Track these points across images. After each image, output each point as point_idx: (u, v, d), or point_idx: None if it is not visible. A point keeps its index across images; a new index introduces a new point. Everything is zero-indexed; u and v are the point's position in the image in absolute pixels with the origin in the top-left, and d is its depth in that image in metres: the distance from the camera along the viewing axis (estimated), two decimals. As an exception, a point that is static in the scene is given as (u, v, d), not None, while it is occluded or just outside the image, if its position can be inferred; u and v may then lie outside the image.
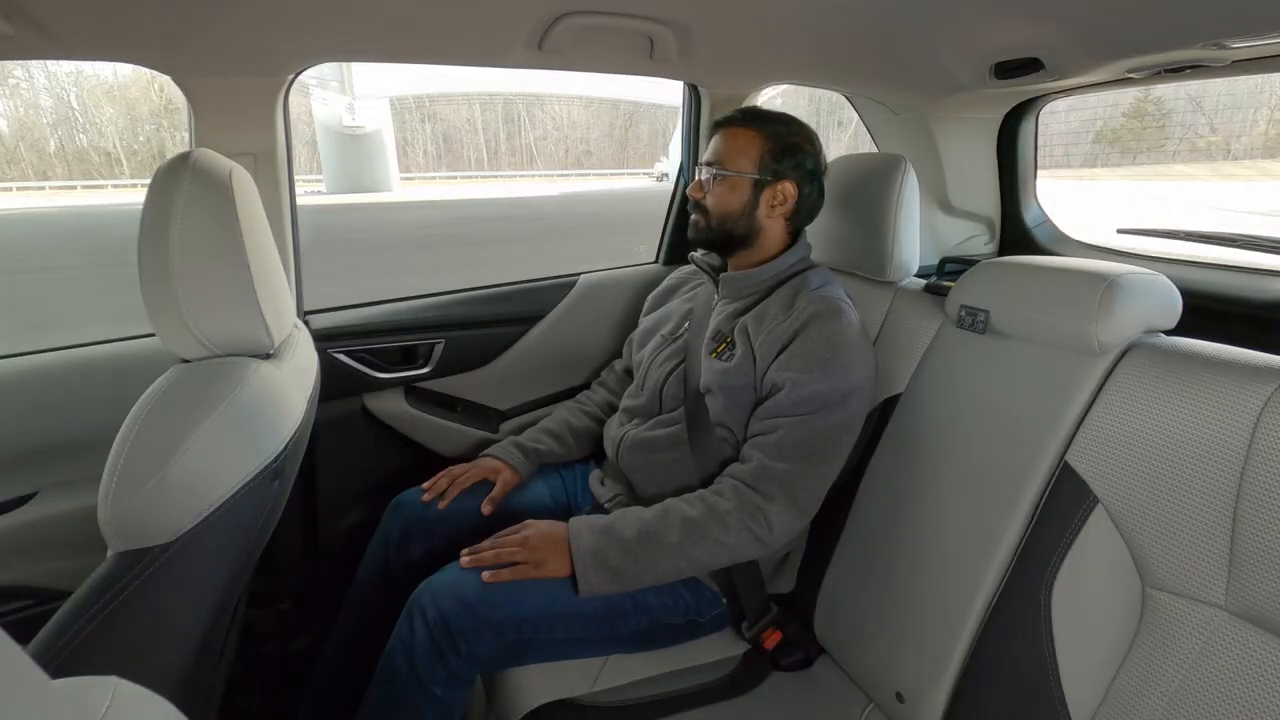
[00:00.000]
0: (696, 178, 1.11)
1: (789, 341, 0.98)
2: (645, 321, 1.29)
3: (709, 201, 1.08)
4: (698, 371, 1.07)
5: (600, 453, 1.25)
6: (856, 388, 0.97)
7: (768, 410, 0.97)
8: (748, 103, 1.51)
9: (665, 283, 1.33)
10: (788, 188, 1.06)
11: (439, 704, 0.91)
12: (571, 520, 0.97)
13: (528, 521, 0.98)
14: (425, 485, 1.16)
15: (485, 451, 1.24)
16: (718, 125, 1.09)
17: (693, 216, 1.11)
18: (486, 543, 0.96)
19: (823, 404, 0.95)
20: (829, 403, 0.95)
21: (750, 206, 1.07)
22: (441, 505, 1.13)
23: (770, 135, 1.05)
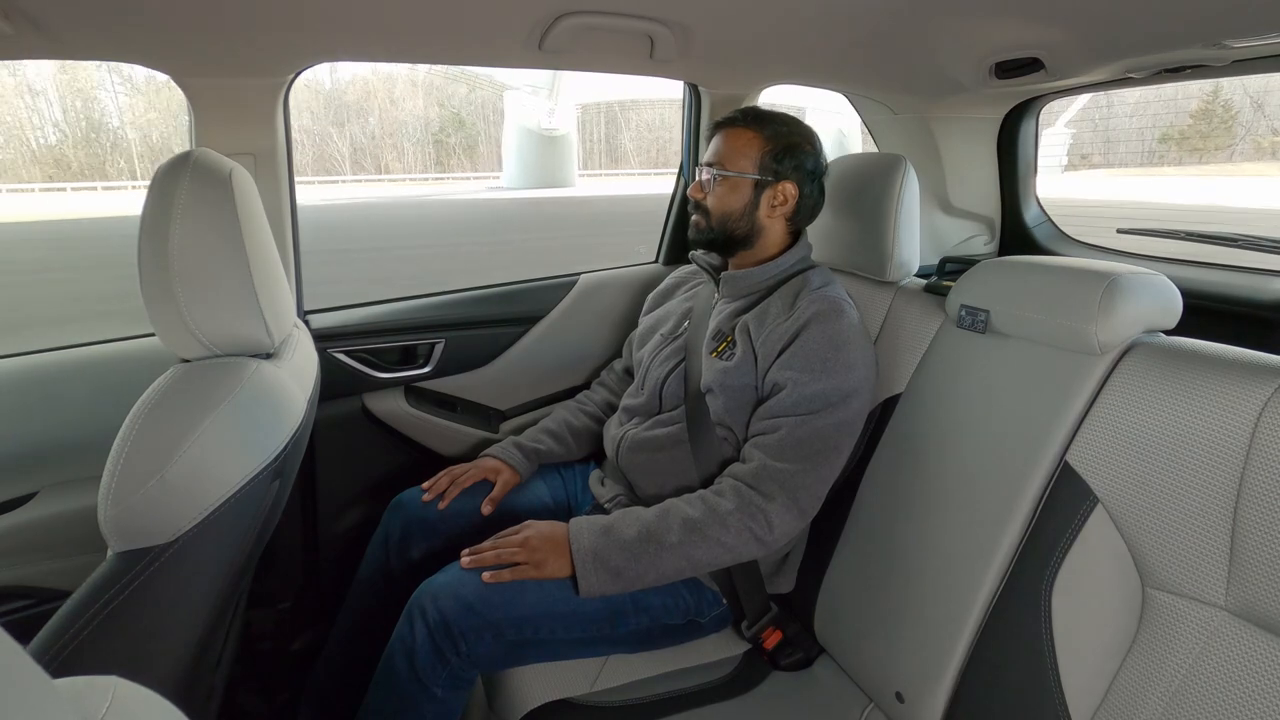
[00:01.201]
0: (696, 178, 1.10)
1: (790, 341, 0.98)
2: (645, 321, 1.29)
3: (709, 202, 1.08)
4: (698, 371, 1.07)
5: (600, 453, 1.25)
6: (858, 388, 0.97)
7: (769, 410, 0.97)
8: (747, 103, 1.51)
9: (665, 282, 1.33)
10: (788, 188, 1.06)
11: (439, 705, 0.91)
12: (572, 521, 0.97)
13: (528, 522, 0.98)
14: (425, 485, 1.16)
15: (485, 452, 1.24)
16: (718, 126, 1.09)
17: (693, 217, 1.11)
18: (487, 543, 0.96)
19: (824, 403, 0.95)
20: (830, 402, 0.95)
21: (751, 207, 1.07)
22: (442, 505, 1.13)
23: (771, 135, 1.05)
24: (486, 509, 1.13)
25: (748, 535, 0.92)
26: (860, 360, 0.98)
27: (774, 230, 1.09)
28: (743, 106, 1.11)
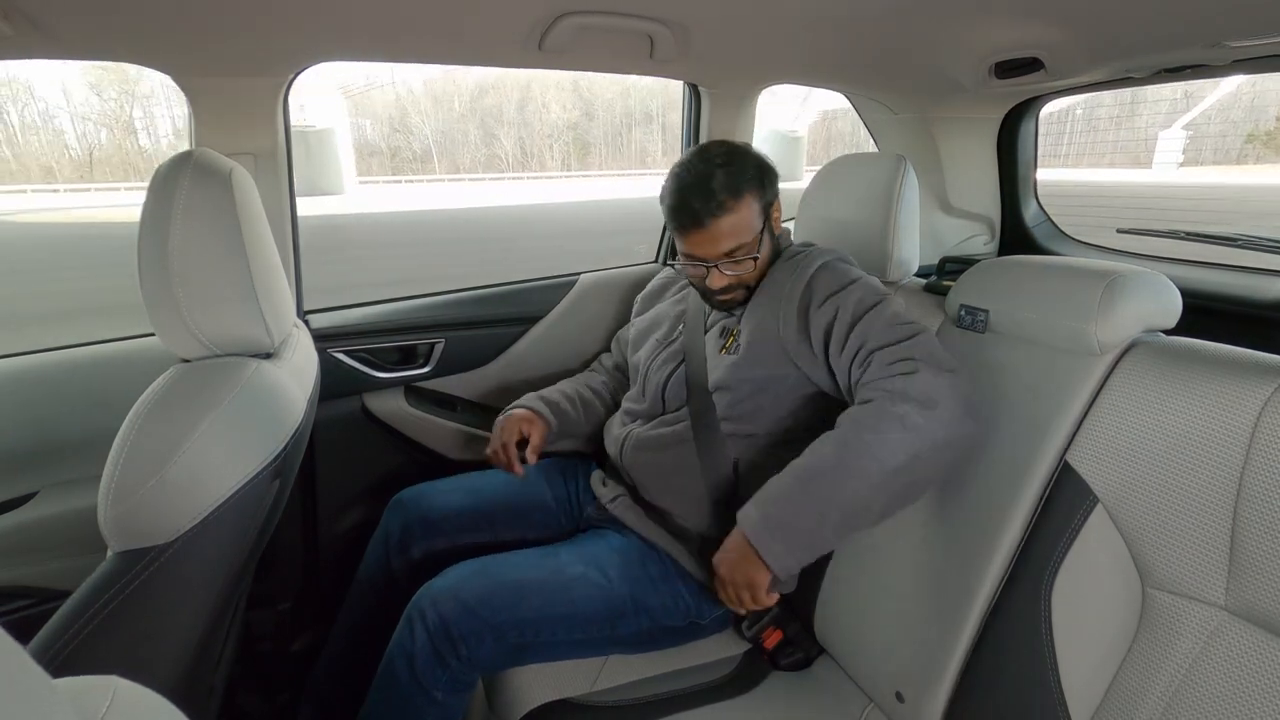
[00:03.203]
0: (713, 270, 1.01)
1: (807, 286, 0.99)
2: (637, 324, 1.27)
3: (746, 276, 1.03)
4: (699, 372, 1.07)
5: (601, 452, 1.25)
6: (885, 290, 0.97)
7: (840, 334, 0.93)
8: (746, 103, 1.50)
9: (652, 284, 1.32)
10: (778, 204, 1.06)
11: (440, 708, 0.91)
12: (741, 514, 0.89)
13: (715, 559, 0.89)
14: (497, 462, 1.14)
15: (508, 407, 1.19)
16: (710, 214, 0.97)
17: (724, 298, 1.04)
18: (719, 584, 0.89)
19: (876, 297, 0.94)
20: (879, 296, 0.94)
21: (773, 243, 1.06)
22: (520, 471, 1.12)
23: (751, 185, 0.99)
24: (532, 458, 1.13)
25: (913, 416, 0.80)
26: (878, 282, 1.00)
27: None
28: (698, 171, 0.98)
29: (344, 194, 21.38)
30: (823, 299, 0.96)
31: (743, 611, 0.89)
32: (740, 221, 0.98)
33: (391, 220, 13.74)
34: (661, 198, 1.03)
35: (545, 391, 1.25)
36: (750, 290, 1.06)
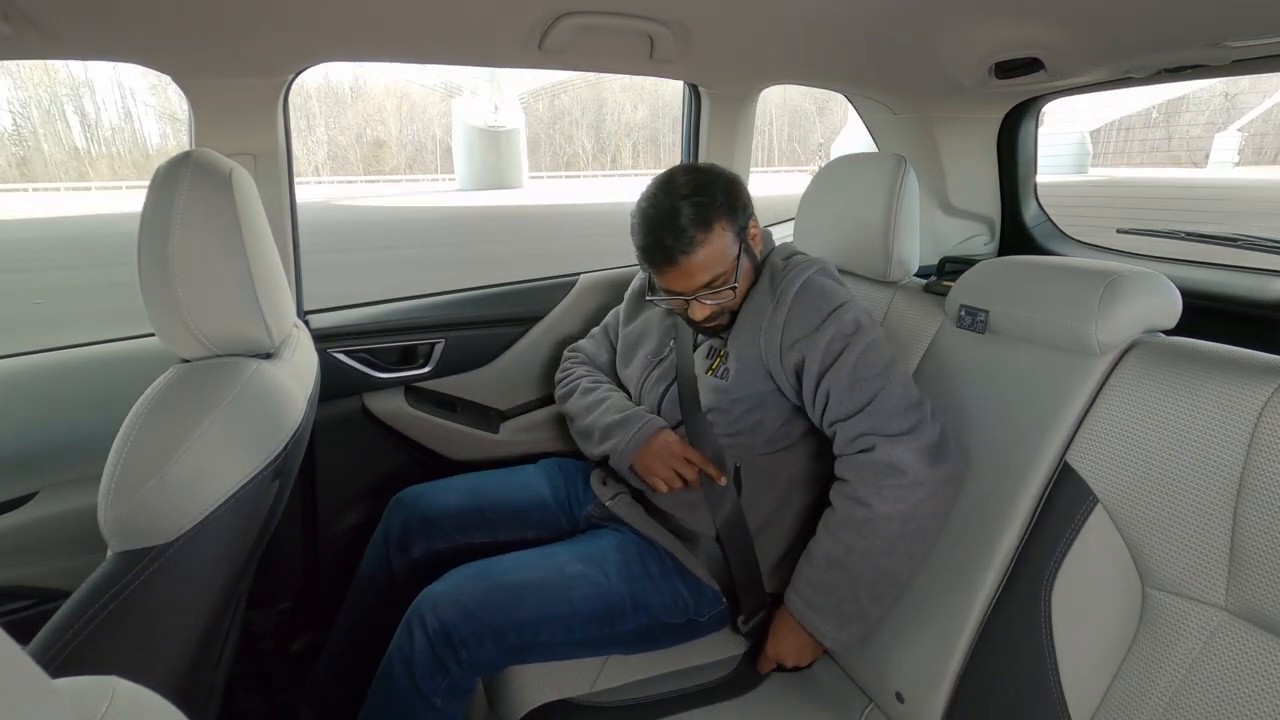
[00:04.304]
0: (693, 303, 1.00)
1: (785, 320, 0.98)
2: (625, 333, 1.24)
3: (729, 303, 1.02)
4: (691, 390, 1.06)
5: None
6: (860, 315, 0.97)
7: (809, 385, 0.95)
8: (746, 103, 1.50)
9: (634, 285, 1.28)
10: (754, 222, 1.04)
11: (439, 714, 0.91)
12: (788, 598, 0.97)
13: (770, 645, 0.98)
14: (675, 483, 1.04)
15: (658, 430, 1.07)
16: (683, 251, 0.95)
17: (709, 325, 1.04)
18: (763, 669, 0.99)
19: (842, 343, 0.94)
20: (846, 339, 0.94)
21: (752, 263, 1.05)
22: (722, 480, 1.04)
23: (721, 213, 0.96)
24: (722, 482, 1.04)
25: (888, 490, 0.87)
26: (851, 299, 0.99)
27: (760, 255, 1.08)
28: (665, 207, 0.95)
29: (522, 187, 23.43)
30: (793, 341, 0.97)
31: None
32: (714, 253, 0.96)
33: (568, 210, 16.43)
34: (631, 231, 1.00)
35: (617, 399, 1.16)
36: (736, 313, 1.04)
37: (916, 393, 0.92)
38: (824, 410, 0.95)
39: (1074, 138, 27.68)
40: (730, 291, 1.00)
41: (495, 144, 23.16)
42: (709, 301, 1.00)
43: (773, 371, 1.00)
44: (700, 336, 1.10)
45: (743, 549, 1.03)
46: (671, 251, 0.94)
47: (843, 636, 0.91)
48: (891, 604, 0.92)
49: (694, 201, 0.95)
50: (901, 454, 0.87)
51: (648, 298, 1.07)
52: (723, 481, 1.03)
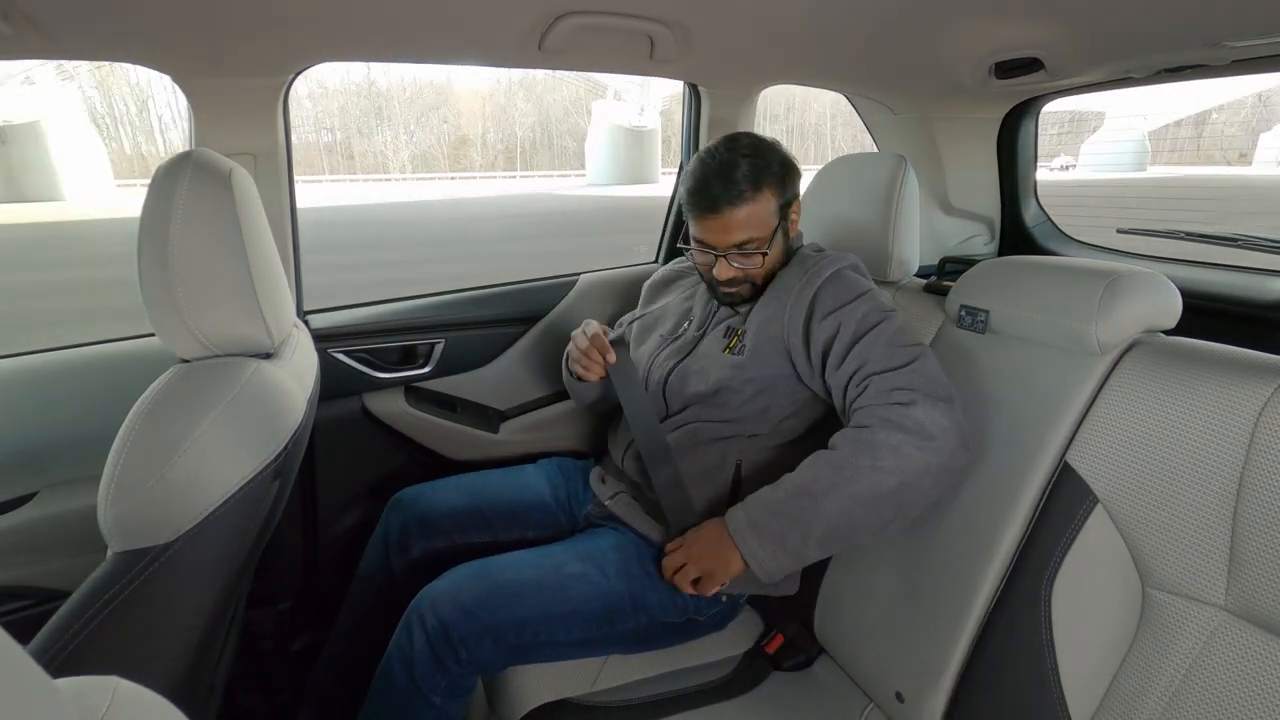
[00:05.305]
0: (721, 260, 1.01)
1: (814, 296, 0.98)
2: (643, 316, 1.26)
3: (754, 271, 1.03)
4: (702, 370, 1.06)
5: (601, 451, 1.25)
6: (890, 305, 0.98)
7: (840, 350, 0.94)
8: (747, 103, 1.50)
9: (662, 272, 1.31)
10: (796, 206, 1.06)
11: (438, 713, 0.91)
12: (729, 514, 0.93)
13: (687, 535, 0.95)
14: (585, 370, 1.11)
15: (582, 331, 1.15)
16: (728, 202, 0.97)
17: (729, 290, 1.05)
18: (665, 562, 0.95)
19: (880, 315, 0.94)
20: (885, 313, 0.94)
21: (786, 244, 1.06)
22: (613, 359, 1.10)
23: (775, 183, 0.99)
24: (613, 358, 1.11)
25: (907, 447, 0.83)
26: (886, 296, 0.99)
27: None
28: (723, 159, 0.98)
29: (657, 182, 25.47)
30: (826, 312, 0.96)
31: (679, 584, 0.92)
32: (756, 214, 0.99)
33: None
34: (683, 180, 1.03)
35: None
36: (757, 289, 1.05)
37: (939, 369, 0.91)
38: (856, 370, 0.91)
39: (1135, 135, 29.82)
40: (760, 258, 1.01)
41: (639, 143, 26.08)
42: (736, 263, 1.01)
43: (792, 351, 1.00)
44: (717, 318, 1.10)
45: (663, 463, 1.02)
46: (717, 200, 0.97)
47: (769, 566, 0.87)
48: (826, 555, 0.89)
49: (751, 161, 0.98)
50: (939, 419, 0.84)
51: (679, 244, 1.08)
52: (611, 358, 1.09)
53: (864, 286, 0.99)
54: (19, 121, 17.35)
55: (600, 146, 26.73)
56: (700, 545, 0.92)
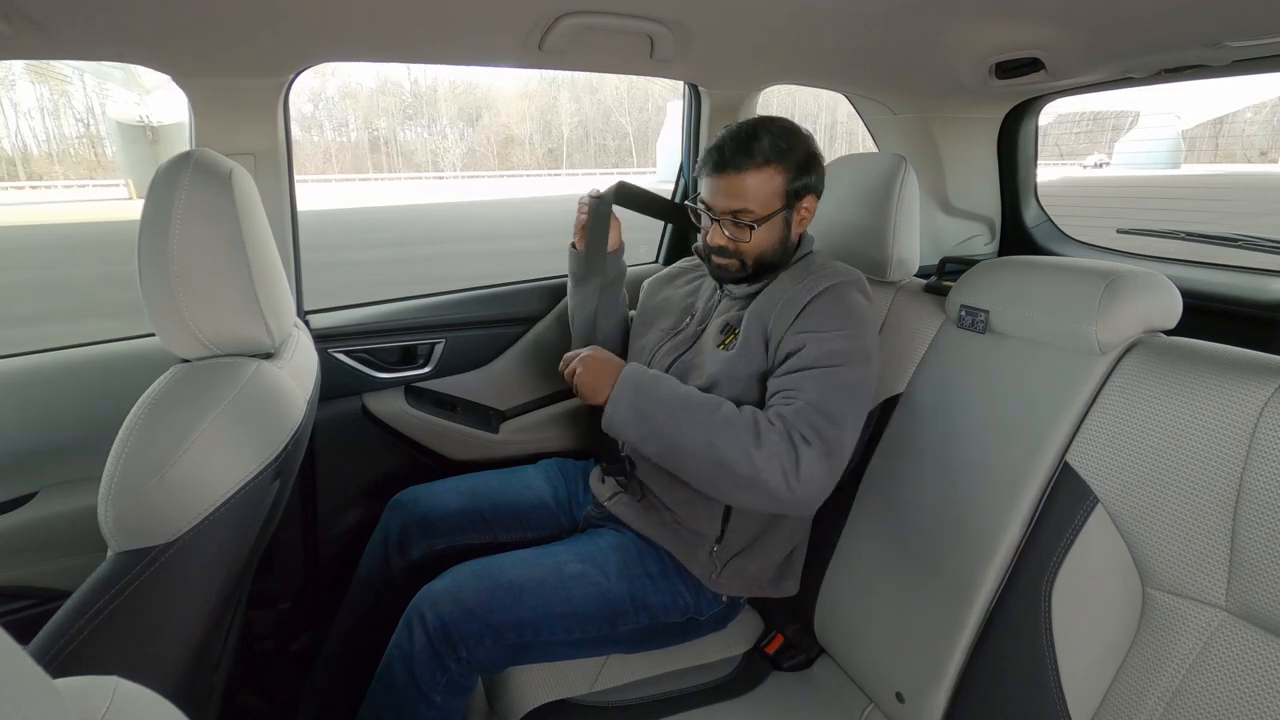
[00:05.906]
0: (715, 225, 1.02)
1: (805, 305, 0.97)
2: (647, 308, 1.25)
3: (744, 246, 1.02)
4: (701, 365, 1.06)
5: (601, 450, 1.24)
6: (874, 350, 0.96)
7: (792, 366, 0.94)
8: (747, 103, 1.50)
9: (665, 271, 1.30)
10: (810, 201, 1.04)
11: (438, 712, 0.91)
12: (630, 364, 0.98)
13: (595, 348, 1.02)
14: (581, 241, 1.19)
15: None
16: (736, 166, 0.98)
17: (720, 261, 1.04)
18: (567, 355, 1.02)
19: (844, 359, 0.93)
20: (851, 358, 0.93)
21: (784, 235, 1.04)
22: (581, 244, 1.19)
23: (789, 162, 0.99)
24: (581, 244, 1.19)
25: (776, 467, 0.85)
26: (872, 331, 0.98)
27: (797, 238, 1.08)
28: (747, 128, 1.00)
29: None
30: (804, 328, 0.96)
31: (566, 376, 1.01)
32: (759, 187, 0.98)
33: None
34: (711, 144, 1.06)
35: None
36: (746, 270, 1.04)
37: (855, 439, 0.92)
38: (794, 389, 0.93)
39: (1170, 133, 30.86)
40: (748, 231, 1.00)
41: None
42: (727, 232, 1.02)
43: (769, 347, 0.99)
44: (717, 312, 1.10)
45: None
46: (725, 161, 0.98)
47: (615, 421, 0.93)
48: (648, 458, 0.95)
49: (774, 139, 0.98)
50: (818, 473, 0.87)
51: (687, 203, 1.09)
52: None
53: (855, 318, 0.97)
54: (170, 122, 18.02)
55: (672, 145, 27.36)
56: (594, 366, 0.98)
